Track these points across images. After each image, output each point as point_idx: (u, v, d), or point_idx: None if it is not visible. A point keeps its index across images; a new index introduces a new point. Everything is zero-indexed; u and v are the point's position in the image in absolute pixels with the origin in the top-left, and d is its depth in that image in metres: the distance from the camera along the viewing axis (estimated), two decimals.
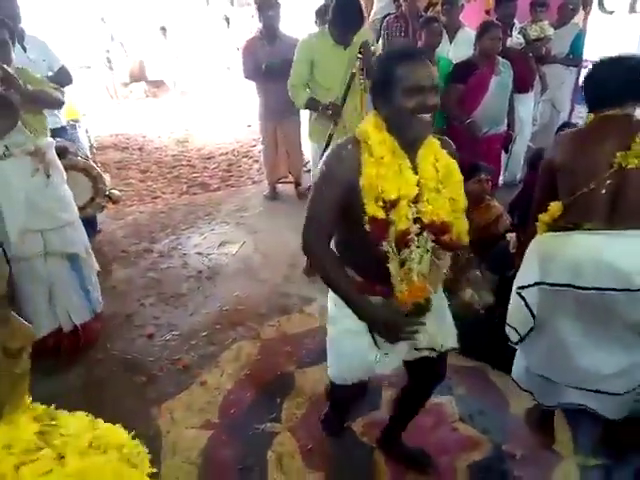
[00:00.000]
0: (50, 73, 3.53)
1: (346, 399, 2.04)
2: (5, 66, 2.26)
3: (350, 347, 1.68)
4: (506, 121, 3.74)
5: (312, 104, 3.40)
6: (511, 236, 2.66)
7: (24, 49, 3.43)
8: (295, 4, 7.01)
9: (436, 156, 1.54)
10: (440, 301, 1.71)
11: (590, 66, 1.95)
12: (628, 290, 1.65)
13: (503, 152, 4.01)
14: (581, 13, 5.27)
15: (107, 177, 3.72)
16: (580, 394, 1.99)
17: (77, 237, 2.75)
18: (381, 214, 1.45)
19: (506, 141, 3.86)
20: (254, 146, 6.40)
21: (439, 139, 1.59)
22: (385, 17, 5.21)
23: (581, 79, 5.66)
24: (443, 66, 3.64)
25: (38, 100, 2.45)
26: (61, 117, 3.78)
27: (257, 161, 5.87)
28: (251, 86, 4.65)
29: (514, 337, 1.97)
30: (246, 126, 7.20)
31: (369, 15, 5.33)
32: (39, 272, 2.64)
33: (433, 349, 1.70)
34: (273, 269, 3.64)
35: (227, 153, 6.31)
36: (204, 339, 2.93)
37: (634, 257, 1.66)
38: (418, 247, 1.50)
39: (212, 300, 3.32)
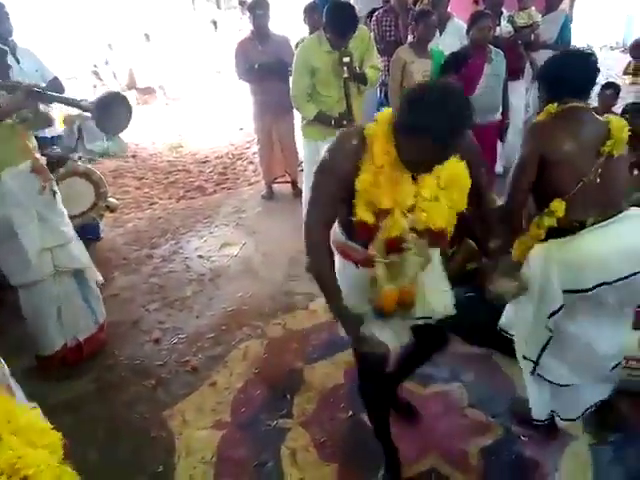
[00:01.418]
0: (43, 84, 3.54)
1: (371, 383, 1.94)
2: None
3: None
4: (501, 109, 3.76)
5: (323, 118, 3.32)
6: None
7: (17, 61, 3.45)
8: (284, 3, 7.03)
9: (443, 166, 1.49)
10: (434, 271, 1.73)
11: (553, 57, 1.96)
12: None
13: (499, 141, 4.02)
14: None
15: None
16: (596, 392, 2.03)
17: (80, 251, 2.76)
18: (370, 220, 1.49)
19: (501, 130, 3.88)
20: (248, 148, 6.41)
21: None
22: (370, 13, 5.24)
23: None
24: (436, 58, 3.66)
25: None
26: (56, 125, 3.80)
27: (252, 163, 5.89)
28: (242, 89, 4.66)
29: (529, 367, 1.96)
30: (238, 129, 7.21)
31: None
32: (50, 292, 2.64)
33: (430, 317, 1.75)
34: (275, 268, 3.65)
35: (222, 156, 6.32)
36: (211, 341, 2.95)
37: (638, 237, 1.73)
38: (413, 253, 1.54)
39: (216, 302, 3.33)
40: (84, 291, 2.83)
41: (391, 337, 1.69)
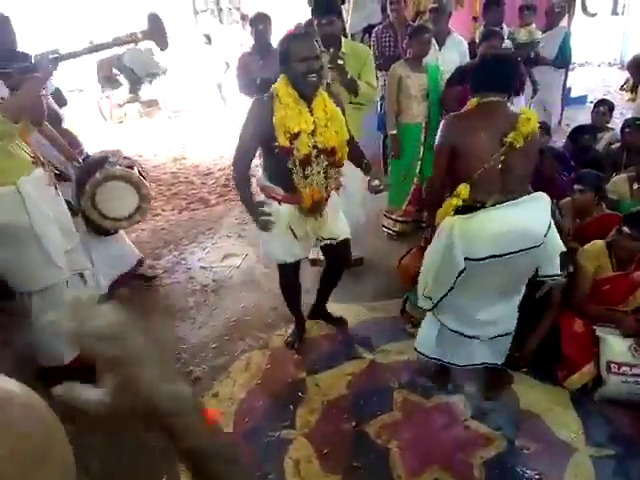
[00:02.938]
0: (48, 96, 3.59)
1: (288, 278, 2.74)
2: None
3: (277, 242, 2.46)
4: None
5: None
6: None
7: None
8: (285, 18, 7.12)
9: (325, 103, 2.27)
10: (334, 206, 2.51)
11: (478, 60, 2.38)
12: (534, 247, 2.00)
13: None
14: (566, 16, 5.38)
15: None
16: (484, 354, 2.36)
17: (85, 254, 2.78)
18: (286, 143, 2.19)
19: None
20: None
21: (328, 93, 2.35)
22: (365, 29, 5.33)
23: (569, 81, 5.78)
24: (432, 73, 3.72)
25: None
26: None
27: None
28: (244, 101, 4.70)
29: (428, 305, 2.27)
30: None
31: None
32: (63, 297, 2.58)
33: (333, 239, 2.53)
34: (276, 279, 3.65)
35: (224, 168, 6.35)
36: (214, 351, 2.96)
37: (532, 220, 2.00)
38: (317, 165, 2.27)
39: (219, 312, 3.34)
40: None
41: (300, 249, 2.53)
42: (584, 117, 6.68)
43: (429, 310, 2.32)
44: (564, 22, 5.41)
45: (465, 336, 2.29)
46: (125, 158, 3.20)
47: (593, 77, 9.59)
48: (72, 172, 2.97)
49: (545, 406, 2.40)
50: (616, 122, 4.85)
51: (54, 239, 2.46)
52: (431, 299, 2.24)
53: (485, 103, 2.10)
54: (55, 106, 3.10)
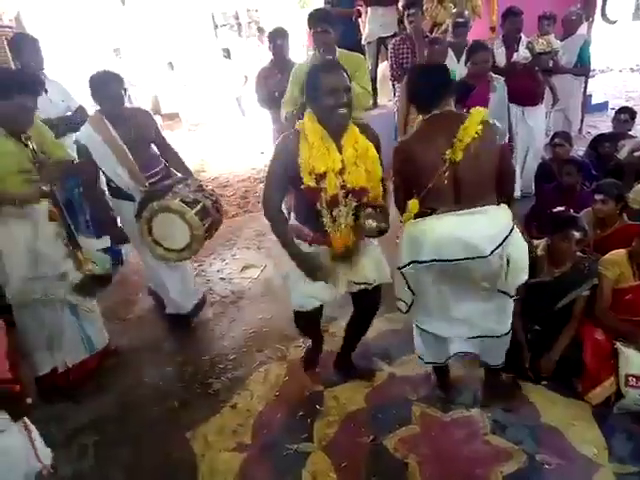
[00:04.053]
0: (69, 113, 3.70)
1: (308, 322, 2.56)
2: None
3: (306, 284, 2.27)
4: (507, 134, 3.80)
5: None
6: (538, 242, 2.68)
7: (45, 91, 3.59)
8: (303, 33, 7.21)
9: (356, 139, 2.11)
10: (370, 247, 2.32)
11: (409, 79, 2.34)
12: (480, 257, 1.97)
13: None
14: (585, 23, 5.35)
15: None
16: (460, 345, 2.41)
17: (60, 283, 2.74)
18: (313, 183, 2.05)
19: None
20: None
21: (360, 126, 2.15)
22: (380, 39, 5.37)
23: (589, 88, 5.73)
24: None
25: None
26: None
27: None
28: (262, 114, 4.77)
29: (403, 308, 2.29)
30: (259, 153, 7.34)
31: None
32: (39, 317, 2.65)
33: (367, 283, 2.31)
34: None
35: (243, 180, 6.43)
36: (232, 363, 2.98)
37: (478, 231, 1.97)
38: (345, 206, 2.11)
39: (237, 324, 3.37)
40: (78, 319, 2.85)
41: (328, 293, 2.31)
42: (605, 125, 6.61)
43: (404, 313, 2.32)
44: (583, 29, 5.38)
45: (441, 337, 2.34)
46: (200, 188, 3.01)
47: (614, 83, 9.46)
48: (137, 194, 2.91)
49: (566, 420, 2.35)
50: (638, 129, 4.78)
51: (16, 263, 2.50)
52: (405, 302, 2.27)
53: (427, 120, 2.10)
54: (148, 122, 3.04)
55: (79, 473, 2.35)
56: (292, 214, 2.32)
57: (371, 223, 2.09)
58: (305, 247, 2.24)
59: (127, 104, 2.99)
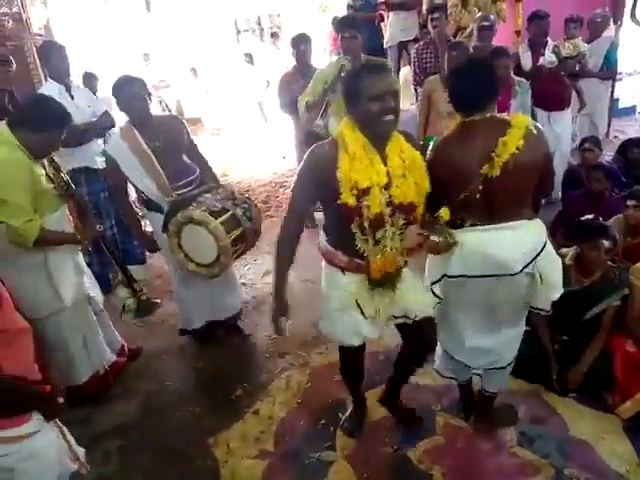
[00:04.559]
0: (94, 118, 3.76)
1: (352, 363, 2.31)
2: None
3: (342, 320, 2.02)
4: None
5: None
6: (566, 250, 2.62)
7: (72, 97, 3.66)
8: (325, 38, 7.23)
9: (401, 148, 1.85)
10: (412, 275, 2.01)
11: (452, 75, 2.13)
12: (507, 275, 1.91)
13: None
14: (613, 26, 5.25)
15: None
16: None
17: (93, 280, 2.86)
18: (352, 201, 1.77)
19: None
20: (290, 176, 6.52)
21: (403, 134, 1.90)
22: (402, 44, 5.36)
23: (616, 92, 5.61)
24: None
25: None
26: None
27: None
28: (284, 119, 4.78)
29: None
30: (282, 157, 7.36)
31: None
32: (72, 321, 2.65)
33: (407, 317, 2.02)
34: (316, 296, 3.62)
35: (265, 185, 6.45)
36: (254, 369, 2.98)
37: (508, 248, 1.89)
38: (392, 225, 1.84)
39: (259, 330, 3.37)
40: (100, 320, 2.89)
41: (370, 328, 2.02)
42: (633, 129, 6.46)
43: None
44: (611, 31, 5.27)
45: (457, 360, 2.25)
46: (230, 196, 2.84)
47: None
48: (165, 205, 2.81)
49: (596, 434, 2.30)
50: None
51: (65, 276, 2.56)
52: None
53: (465, 125, 1.93)
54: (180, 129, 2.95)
55: (103, 478, 2.36)
56: (321, 234, 2.07)
57: (438, 239, 1.86)
58: (339, 276, 1.97)
59: (158, 109, 2.93)
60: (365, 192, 1.77)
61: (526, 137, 1.81)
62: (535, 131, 1.86)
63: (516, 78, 3.62)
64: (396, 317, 2.04)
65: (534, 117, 3.96)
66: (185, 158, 2.99)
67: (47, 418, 1.65)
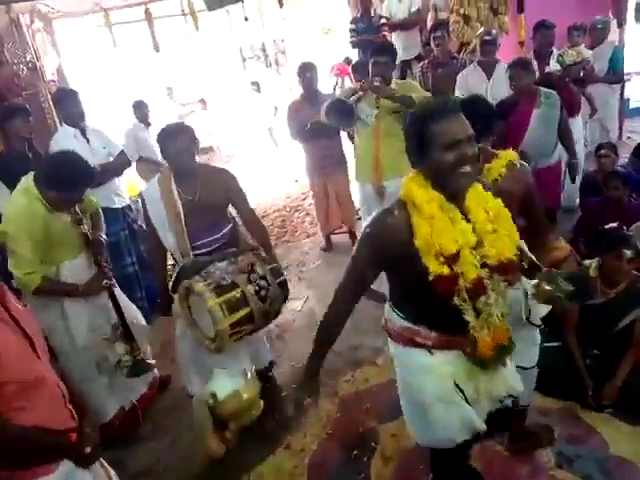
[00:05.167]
0: (110, 158, 3.84)
1: (459, 461, 1.92)
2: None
3: (448, 414, 1.67)
4: (557, 152, 3.67)
5: None
6: (590, 262, 2.59)
7: (87, 140, 3.75)
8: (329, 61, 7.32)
9: (485, 199, 1.59)
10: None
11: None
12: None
13: (570, 181, 3.88)
14: (617, 30, 5.24)
15: None
16: None
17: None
18: (446, 270, 1.48)
19: (571, 170, 3.74)
20: (304, 200, 6.56)
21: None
22: (405, 62, 5.41)
23: (626, 92, 5.53)
24: None
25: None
26: (125, 196, 4.07)
27: (309, 214, 6.00)
28: (294, 143, 4.84)
29: None
30: (294, 181, 7.42)
31: None
32: (92, 357, 2.70)
33: (511, 395, 1.73)
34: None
35: (280, 209, 6.49)
36: (283, 400, 2.97)
37: None
38: (493, 290, 1.56)
39: (285, 359, 3.36)
40: None
41: (476, 416, 1.68)
42: None
43: None
44: (615, 35, 5.27)
45: None
46: (250, 268, 2.47)
47: None
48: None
49: (637, 451, 2.23)
50: None
51: (79, 318, 2.65)
52: None
53: None
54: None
55: None
56: (387, 305, 1.79)
57: (555, 291, 1.67)
58: (425, 358, 1.66)
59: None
60: (454, 257, 1.49)
61: (509, 168, 1.94)
62: (519, 165, 1.99)
63: (543, 90, 3.58)
64: (497, 398, 1.71)
65: (565, 131, 3.83)
66: (220, 215, 2.76)
67: (79, 465, 1.63)
